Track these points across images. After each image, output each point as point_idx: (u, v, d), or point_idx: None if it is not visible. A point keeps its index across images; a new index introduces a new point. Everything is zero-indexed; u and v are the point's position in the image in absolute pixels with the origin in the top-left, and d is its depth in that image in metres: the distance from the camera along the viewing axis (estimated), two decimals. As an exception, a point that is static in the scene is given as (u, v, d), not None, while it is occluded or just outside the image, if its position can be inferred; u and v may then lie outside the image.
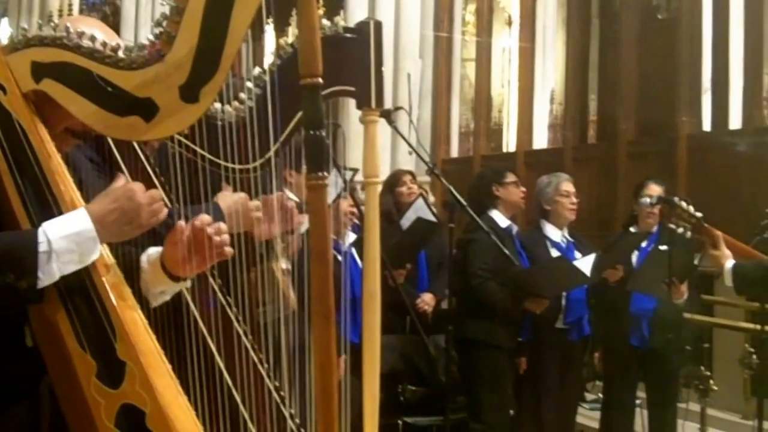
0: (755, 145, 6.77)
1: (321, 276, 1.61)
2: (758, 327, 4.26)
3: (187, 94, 1.75)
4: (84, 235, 1.71)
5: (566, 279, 4.49)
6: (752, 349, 5.11)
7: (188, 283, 1.94)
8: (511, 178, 4.80)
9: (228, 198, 2.16)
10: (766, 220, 3.84)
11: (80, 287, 1.74)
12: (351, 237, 4.10)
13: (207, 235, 1.80)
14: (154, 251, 1.91)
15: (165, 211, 1.82)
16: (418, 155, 4.32)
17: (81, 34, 1.78)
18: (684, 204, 3.52)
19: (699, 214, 3.50)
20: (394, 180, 5.60)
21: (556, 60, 9.78)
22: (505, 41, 11.12)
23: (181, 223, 1.82)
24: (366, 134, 1.95)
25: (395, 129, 4.12)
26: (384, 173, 8.15)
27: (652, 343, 4.58)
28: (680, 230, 3.53)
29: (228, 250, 1.85)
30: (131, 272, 1.87)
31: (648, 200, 4.43)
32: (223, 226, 1.85)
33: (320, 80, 1.60)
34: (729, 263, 3.27)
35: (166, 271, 1.87)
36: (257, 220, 2.18)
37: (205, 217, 1.82)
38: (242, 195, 2.12)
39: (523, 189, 4.87)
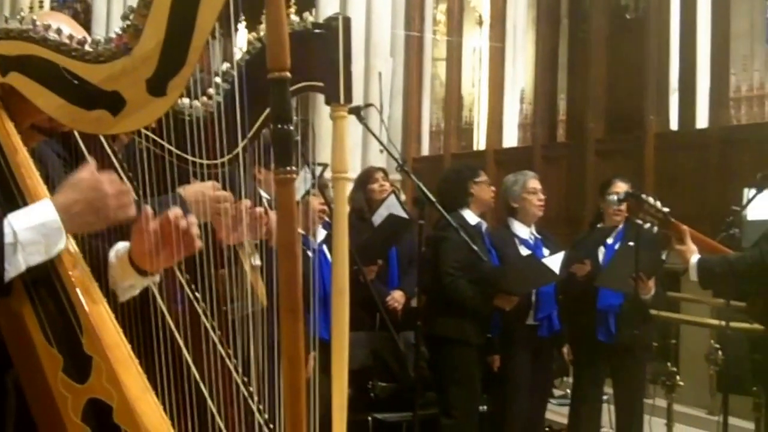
0: (721, 144, 6.86)
1: (289, 270, 1.61)
2: (723, 323, 4.32)
3: (155, 87, 1.74)
4: (49, 226, 1.70)
5: (536, 277, 4.53)
6: (718, 346, 5.18)
7: (157, 278, 1.93)
8: (483, 176, 4.84)
9: (191, 188, 2.15)
10: (732, 217, 3.88)
11: (46, 281, 1.73)
12: (322, 234, 4.11)
13: (176, 228, 1.79)
14: (122, 246, 1.89)
15: (134, 206, 1.80)
16: (389, 152, 4.33)
17: (47, 27, 1.77)
18: (651, 199, 3.56)
19: (666, 209, 3.54)
20: (366, 177, 5.60)
21: (526, 60, 9.86)
22: (476, 41, 11.19)
23: (148, 209, 1.80)
24: (335, 130, 1.95)
25: (366, 126, 4.12)
26: (355, 171, 8.18)
27: (618, 339, 4.61)
28: (647, 225, 3.57)
29: (198, 244, 1.84)
30: (99, 267, 1.86)
31: (615, 197, 4.47)
32: (193, 218, 1.84)
33: (288, 74, 1.60)
34: (694, 258, 3.31)
35: (134, 265, 1.86)
36: (218, 227, 2.16)
37: (176, 210, 1.81)
38: (206, 184, 2.10)
39: (493, 188, 4.90)
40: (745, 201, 4.06)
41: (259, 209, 2.21)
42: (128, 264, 1.86)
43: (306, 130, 2.65)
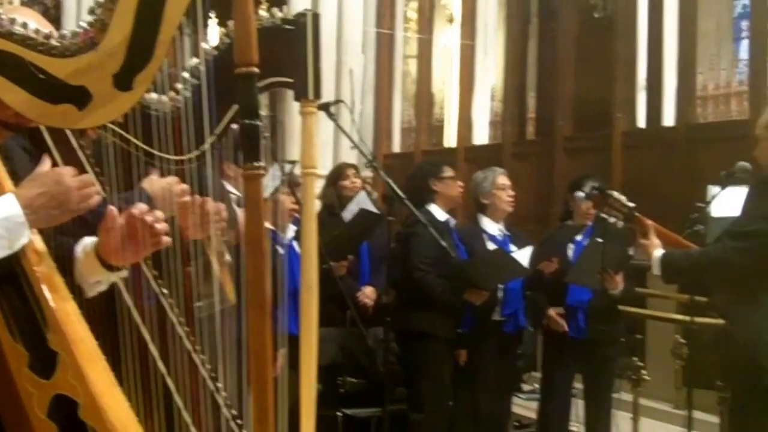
0: (688, 141, 6.95)
1: (256, 265, 1.62)
2: (688, 319, 4.37)
3: (121, 82, 1.73)
4: (13, 220, 1.69)
5: (505, 271, 4.55)
6: (683, 340, 5.24)
7: (124, 273, 1.93)
8: (448, 172, 4.84)
9: (155, 182, 2.14)
10: (697, 214, 3.92)
11: (11, 276, 1.72)
12: (292, 230, 4.11)
13: (143, 223, 1.79)
14: (89, 241, 1.89)
15: (98, 197, 1.80)
16: (358, 149, 4.34)
17: (13, 21, 1.75)
18: (616, 194, 3.59)
19: (631, 204, 3.57)
20: (338, 173, 5.61)
21: (496, 58, 9.89)
22: (447, 38, 11.21)
23: (113, 208, 1.80)
24: (304, 126, 1.95)
25: (336, 122, 4.13)
26: (326, 168, 8.17)
27: (588, 334, 4.65)
28: (612, 220, 3.60)
29: (165, 239, 1.84)
30: (65, 262, 1.86)
31: (582, 194, 4.51)
32: (160, 213, 1.84)
33: (256, 69, 1.60)
34: (658, 252, 3.33)
35: (101, 260, 1.86)
36: (182, 224, 2.16)
37: (142, 206, 1.81)
38: (169, 179, 2.10)
39: (461, 184, 4.92)
40: (709, 198, 4.11)
41: (221, 206, 2.20)
42: (95, 259, 1.86)
43: (275, 127, 2.65)
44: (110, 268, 1.87)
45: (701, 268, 3.25)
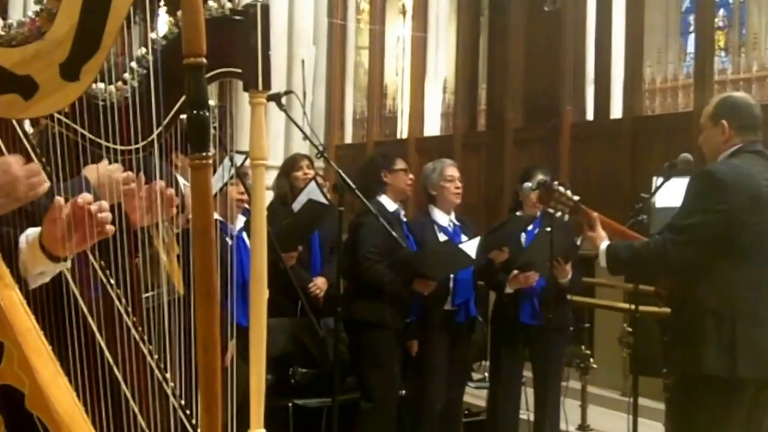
0: (634, 134, 7.07)
1: (204, 255, 1.62)
2: (633, 307, 4.45)
3: (68, 72, 1.72)
4: None
5: (452, 261, 4.59)
6: (630, 329, 5.34)
7: (68, 264, 1.92)
8: (400, 165, 4.86)
9: (94, 171, 2.13)
10: (641, 204, 4.00)
11: (-45, 267, 1.71)
12: (241, 220, 4.10)
13: (88, 212, 1.78)
14: (32, 232, 1.88)
15: (45, 185, 1.79)
16: (309, 139, 4.34)
17: (-45, 10, 1.74)
18: (561, 188, 3.62)
19: (576, 198, 3.61)
20: (291, 164, 5.60)
21: (448, 50, 9.95)
22: (399, 30, 11.24)
23: (60, 199, 1.79)
24: (253, 116, 1.95)
25: (286, 113, 4.12)
26: (278, 159, 8.15)
27: (541, 322, 4.71)
28: (558, 214, 3.65)
29: (110, 228, 1.83)
30: (9, 253, 1.84)
31: (529, 185, 4.57)
32: (105, 204, 1.83)
33: (204, 60, 1.60)
34: (604, 245, 3.39)
35: (45, 251, 1.84)
36: (128, 208, 2.15)
37: (86, 195, 1.80)
38: (111, 167, 2.09)
39: (411, 176, 4.95)
40: (653, 189, 4.19)
41: (170, 190, 2.19)
42: (39, 250, 1.84)
43: (225, 118, 2.64)
44: (54, 258, 1.86)
45: (642, 260, 3.32)
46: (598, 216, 3.50)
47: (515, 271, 4.69)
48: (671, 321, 3.49)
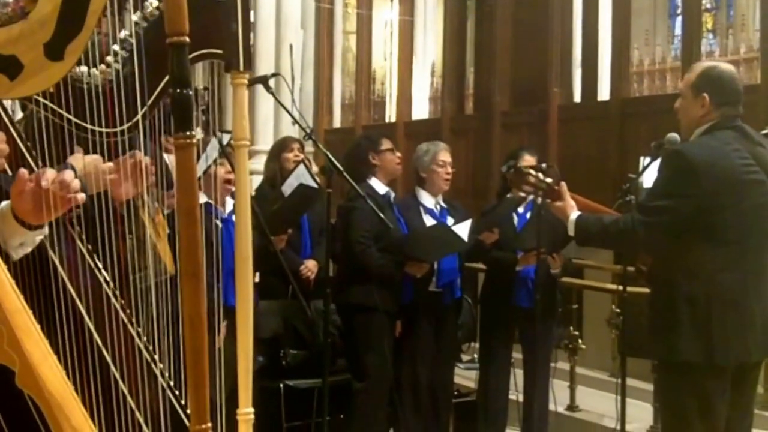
0: (622, 116, 7.09)
1: (189, 234, 1.63)
2: (621, 288, 4.48)
3: (52, 51, 1.73)
4: None
5: (444, 244, 4.59)
6: (618, 310, 5.36)
7: (45, 230, 1.92)
8: (386, 145, 4.85)
9: (80, 160, 2.14)
10: (628, 184, 4.01)
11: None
12: (231, 203, 4.10)
13: (54, 184, 1.78)
14: (4, 204, 1.88)
15: (23, 170, 1.79)
16: (297, 122, 4.33)
17: (-60, -8, 1.74)
18: (532, 171, 3.56)
19: (549, 180, 3.49)
20: (282, 146, 5.59)
21: (436, 34, 9.95)
22: (387, 15, 11.23)
23: (24, 171, 1.79)
24: (235, 97, 1.96)
25: (274, 96, 4.12)
26: (267, 143, 8.14)
27: (533, 304, 4.72)
28: (531, 197, 3.59)
29: (80, 196, 1.83)
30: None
31: (504, 168, 4.57)
32: (68, 175, 1.82)
33: (187, 39, 1.61)
34: (574, 215, 3.34)
35: (19, 220, 1.85)
36: (112, 182, 2.16)
37: (49, 173, 1.80)
38: (95, 156, 2.10)
39: (399, 155, 4.94)
40: (640, 169, 4.20)
41: (147, 158, 2.19)
42: (12, 219, 1.84)
43: (211, 99, 2.65)
44: (30, 227, 1.86)
45: (610, 236, 3.29)
46: (563, 185, 3.44)
47: (521, 253, 4.72)
48: (649, 305, 3.46)
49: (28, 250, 1.89)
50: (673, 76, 8.45)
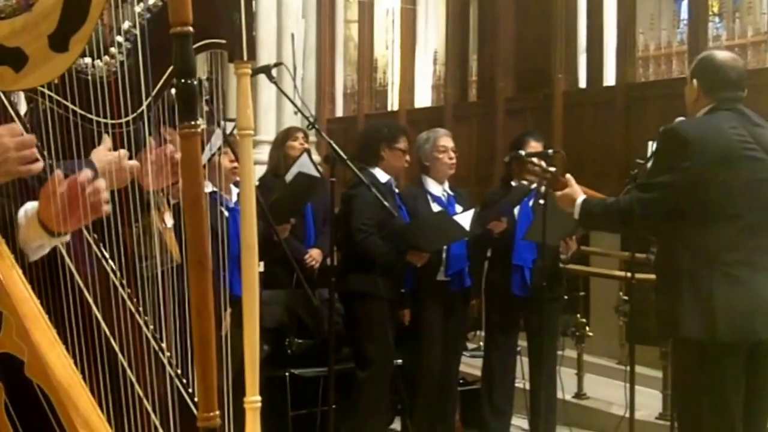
0: (628, 101, 7.06)
1: (195, 223, 1.64)
2: (629, 275, 4.47)
3: (57, 43, 1.74)
4: None
5: (446, 233, 4.59)
6: (626, 297, 5.36)
7: (67, 238, 1.93)
8: (402, 145, 4.79)
9: (102, 155, 2.14)
10: (636, 170, 3.99)
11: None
12: (236, 193, 4.11)
13: (83, 191, 1.79)
14: (31, 206, 1.89)
15: (39, 164, 1.80)
16: (300, 111, 4.33)
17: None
18: (535, 159, 3.54)
19: (552, 169, 3.50)
20: (286, 135, 5.60)
21: (438, 21, 9.90)
22: (388, 2, 11.19)
23: (59, 173, 1.80)
24: (238, 87, 1.96)
25: (277, 85, 4.12)
26: (270, 133, 8.14)
27: (533, 293, 4.73)
28: (533, 186, 3.59)
29: (106, 208, 1.85)
30: (7, 226, 1.86)
31: (507, 159, 4.56)
32: (101, 183, 1.84)
33: (190, 28, 1.61)
34: (580, 198, 3.35)
35: (43, 225, 1.86)
36: (142, 174, 2.16)
37: (86, 173, 1.81)
38: (117, 153, 2.10)
39: (408, 159, 4.85)
40: (648, 154, 4.18)
41: (170, 147, 2.20)
42: (37, 224, 1.86)
43: (216, 89, 2.65)
44: (52, 233, 1.87)
45: (611, 215, 3.30)
46: (569, 177, 3.45)
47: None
48: (654, 286, 3.47)
49: (46, 251, 1.90)
50: (679, 60, 8.38)
